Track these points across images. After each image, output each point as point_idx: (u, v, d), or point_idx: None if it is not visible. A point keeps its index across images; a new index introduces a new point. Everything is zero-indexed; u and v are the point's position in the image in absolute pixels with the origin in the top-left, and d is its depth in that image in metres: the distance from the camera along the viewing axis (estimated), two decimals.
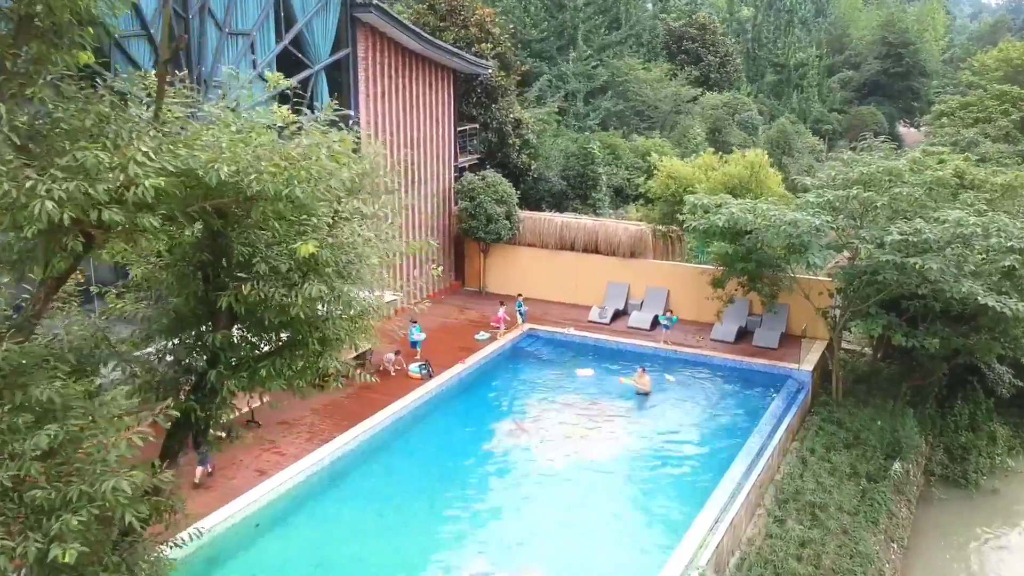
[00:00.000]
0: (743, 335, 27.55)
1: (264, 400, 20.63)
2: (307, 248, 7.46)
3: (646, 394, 23.65)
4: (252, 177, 6.91)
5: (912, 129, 77.69)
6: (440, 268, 27.97)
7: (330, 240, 8.28)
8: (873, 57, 73.58)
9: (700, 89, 50.25)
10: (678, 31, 59.30)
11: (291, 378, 8.98)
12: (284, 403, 22.48)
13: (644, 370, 23.92)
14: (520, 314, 28.02)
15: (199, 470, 18.97)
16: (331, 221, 8.49)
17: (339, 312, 8.77)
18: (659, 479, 20.20)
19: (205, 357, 9.04)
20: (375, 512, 18.51)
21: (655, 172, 28.53)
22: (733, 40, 64.66)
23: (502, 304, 28.04)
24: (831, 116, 66.29)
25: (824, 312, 24.09)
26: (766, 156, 26.37)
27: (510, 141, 33.32)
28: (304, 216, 8.07)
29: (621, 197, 37.04)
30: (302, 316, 8.08)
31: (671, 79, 50.29)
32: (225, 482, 18.86)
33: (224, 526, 17.34)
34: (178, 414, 8.10)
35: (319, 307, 8.40)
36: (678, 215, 25.17)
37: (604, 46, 51.81)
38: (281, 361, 8.81)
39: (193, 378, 9.18)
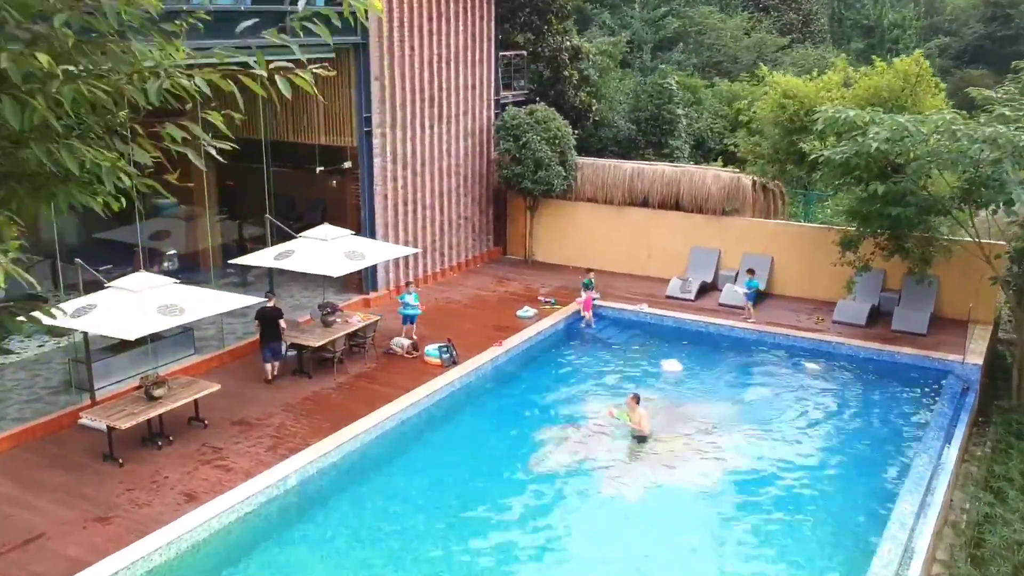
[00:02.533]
0: (875, 316, 20.55)
1: None
2: None
3: (643, 439, 15.32)
4: None
5: None
6: None
7: None
8: (975, 20, 65.18)
9: (787, 39, 42.92)
10: None
11: None
12: (246, 392, 16.28)
13: (636, 399, 15.49)
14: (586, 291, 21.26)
15: (268, 367, 16.67)
16: None
17: None
18: (783, 521, 13.37)
19: None
20: (361, 563, 12.11)
21: (765, 92, 21.59)
22: None
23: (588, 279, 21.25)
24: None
25: (1007, 282, 17.05)
26: (926, 63, 19.33)
27: (566, 74, 26.64)
28: None
29: (702, 151, 30.19)
30: None
31: (752, 29, 43.14)
32: (133, 511, 12.54)
33: None
34: None
35: None
36: (802, 144, 18.30)
37: None
38: None
39: None
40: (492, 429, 16.40)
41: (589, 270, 21.38)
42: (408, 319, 18.85)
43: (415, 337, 18.56)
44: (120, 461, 13.74)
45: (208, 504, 12.59)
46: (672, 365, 18.69)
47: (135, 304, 13.38)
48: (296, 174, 24.06)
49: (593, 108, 27.30)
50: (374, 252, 17.58)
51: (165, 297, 13.61)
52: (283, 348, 16.83)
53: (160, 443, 14.33)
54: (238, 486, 13.09)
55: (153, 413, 13.98)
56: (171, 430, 14.63)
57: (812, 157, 17.63)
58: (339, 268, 16.35)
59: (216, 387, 14.95)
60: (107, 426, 13.60)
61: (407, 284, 20.16)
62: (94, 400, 15.10)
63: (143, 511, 12.50)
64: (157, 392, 14.16)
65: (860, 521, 13.34)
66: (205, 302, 14.06)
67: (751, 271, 20.91)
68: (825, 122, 16.42)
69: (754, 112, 22.09)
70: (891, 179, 16.46)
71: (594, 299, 20.89)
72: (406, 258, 22.34)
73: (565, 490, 14.07)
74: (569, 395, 17.64)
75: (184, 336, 17.44)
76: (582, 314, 20.74)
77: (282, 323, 16.52)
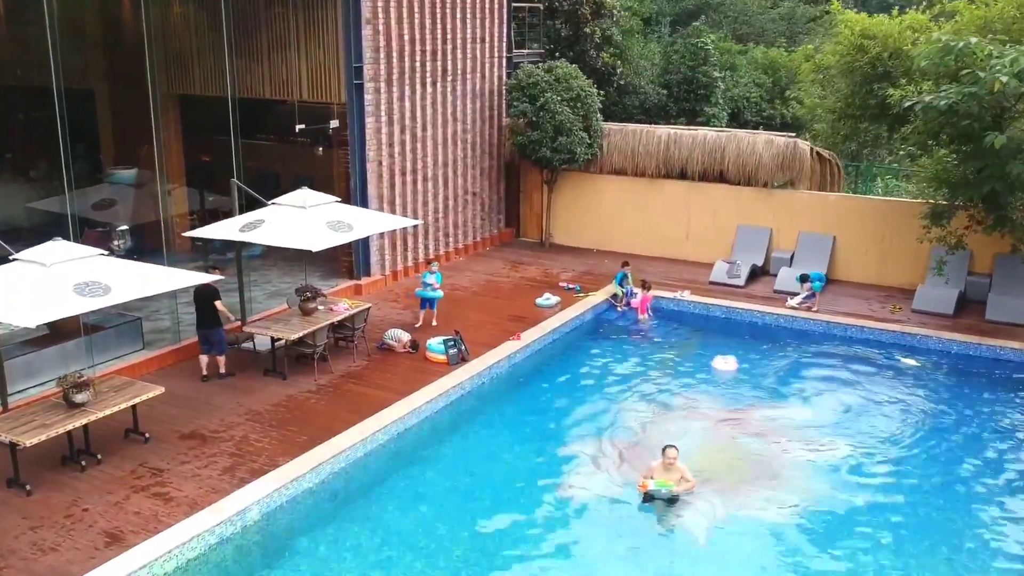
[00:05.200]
0: (961, 304, 17.26)
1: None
2: None
3: (673, 500, 10.92)
4: None
5: None
6: None
7: None
8: None
9: (822, 6, 39.48)
10: None
11: None
12: (203, 396, 13.06)
13: (670, 456, 10.96)
14: (620, 288, 17.97)
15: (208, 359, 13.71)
16: None
17: None
18: (891, 567, 10.11)
19: None
20: None
21: (836, 28, 18.26)
22: None
23: (646, 286, 17.77)
24: None
25: None
26: None
27: (587, 31, 23.37)
28: None
29: (738, 123, 26.91)
30: None
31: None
32: (33, 558, 9.29)
33: None
34: None
35: None
36: (889, 91, 15.02)
37: None
38: None
39: None
40: (510, 443, 13.08)
41: (626, 263, 18.07)
42: (427, 303, 15.98)
43: (435, 323, 15.80)
44: (27, 488, 10.49)
45: (136, 548, 9.34)
46: (726, 363, 15.41)
47: (44, 281, 10.10)
48: (279, 147, 20.96)
49: (617, 71, 23.96)
50: (364, 223, 14.26)
51: (85, 272, 10.32)
52: (224, 337, 13.71)
53: (84, 463, 11.06)
54: (179, 522, 9.84)
55: (72, 424, 10.69)
56: (101, 446, 11.38)
57: (898, 109, 14.38)
58: (320, 241, 13.04)
59: (158, 390, 11.66)
60: (9, 442, 10.33)
61: (429, 262, 16.97)
62: (6, 407, 11.82)
63: (47, 559, 9.24)
64: (79, 397, 10.88)
65: (993, 568, 10.09)
66: (139, 279, 10.77)
67: (804, 277, 17.51)
68: (929, 57, 13.08)
69: (820, 59, 18.69)
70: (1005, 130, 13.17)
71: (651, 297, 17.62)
72: (404, 238, 19.10)
73: (606, 524, 10.78)
74: (604, 399, 14.31)
75: (129, 327, 14.20)
76: (639, 316, 17.43)
77: (219, 304, 13.37)
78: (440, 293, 16.12)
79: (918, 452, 12.73)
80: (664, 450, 11.05)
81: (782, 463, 12.26)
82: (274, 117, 20.95)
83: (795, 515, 10.97)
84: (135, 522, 9.91)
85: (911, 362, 15.33)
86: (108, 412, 11.02)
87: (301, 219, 13.42)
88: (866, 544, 10.42)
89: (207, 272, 13.53)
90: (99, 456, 11.20)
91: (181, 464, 11.21)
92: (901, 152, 21.40)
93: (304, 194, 13.93)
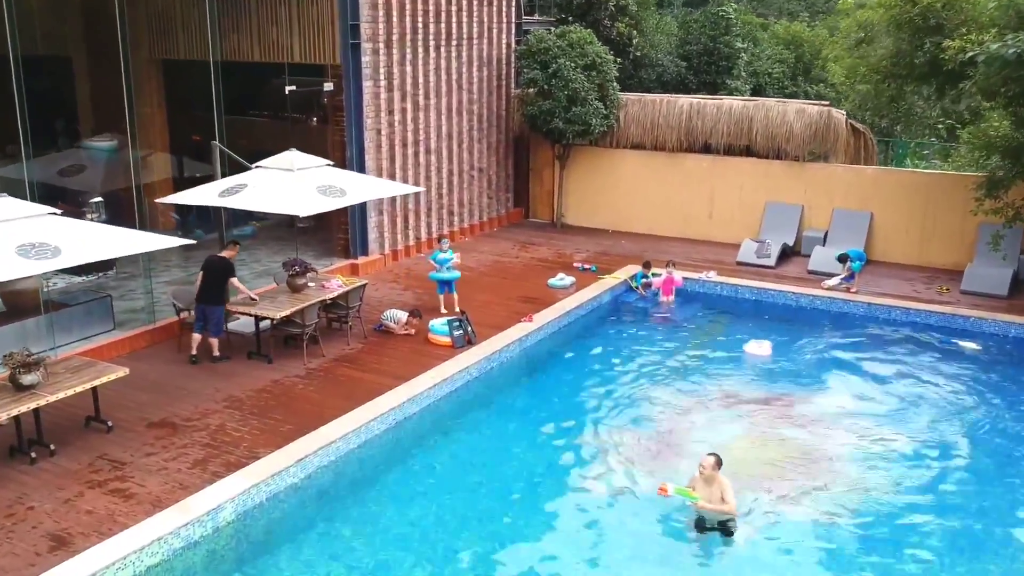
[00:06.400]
0: (1015, 286, 15.80)
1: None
2: None
3: (726, 531, 9.00)
4: None
5: None
6: None
7: None
8: None
9: None
10: None
11: None
12: (177, 381, 11.65)
13: (718, 462, 9.03)
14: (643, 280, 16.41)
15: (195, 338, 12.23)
16: None
17: None
18: (968, 571, 8.67)
19: None
20: None
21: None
22: None
23: (671, 265, 16.34)
24: None
25: None
26: None
27: None
28: None
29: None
30: None
31: None
32: None
33: None
34: None
35: None
36: (946, 45, 13.52)
37: None
38: None
39: None
40: (521, 434, 11.60)
41: (646, 264, 16.55)
42: (445, 285, 14.46)
43: (458, 309, 13.99)
44: None
45: (84, 553, 7.91)
46: (760, 348, 13.92)
47: None
48: (271, 122, 19.64)
49: (633, 41, 22.46)
50: (358, 188, 12.78)
51: (31, 233, 8.89)
52: (223, 318, 12.27)
53: (35, 455, 9.63)
54: (139, 523, 8.40)
55: (19, 409, 9.24)
56: (57, 436, 9.96)
57: (952, 65, 12.95)
58: (308, 206, 11.62)
59: (121, 372, 10.21)
60: None
61: (440, 238, 15.53)
62: None
63: None
64: (27, 379, 9.44)
65: None
66: (94, 241, 9.32)
67: (844, 257, 16.01)
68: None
69: (861, 14, 17.19)
70: None
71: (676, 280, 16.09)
72: (405, 215, 17.68)
73: (630, 524, 9.30)
74: (625, 387, 12.80)
75: (99, 305, 12.77)
76: (661, 298, 15.97)
77: (235, 281, 12.04)
78: (456, 273, 14.54)
79: (980, 445, 11.26)
80: (710, 456, 9.24)
81: (829, 457, 10.78)
82: (266, 90, 19.59)
83: (849, 517, 9.47)
84: (86, 523, 8.47)
85: (972, 346, 13.85)
86: (61, 396, 9.57)
87: (288, 183, 11.97)
88: (932, 549, 8.97)
89: (229, 248, 12.26)
90: (52, 447, 9.76)
91: (146, 456, 9.77)
92: (940, 127, 19.99)
93: (292, 156, 12.48)
